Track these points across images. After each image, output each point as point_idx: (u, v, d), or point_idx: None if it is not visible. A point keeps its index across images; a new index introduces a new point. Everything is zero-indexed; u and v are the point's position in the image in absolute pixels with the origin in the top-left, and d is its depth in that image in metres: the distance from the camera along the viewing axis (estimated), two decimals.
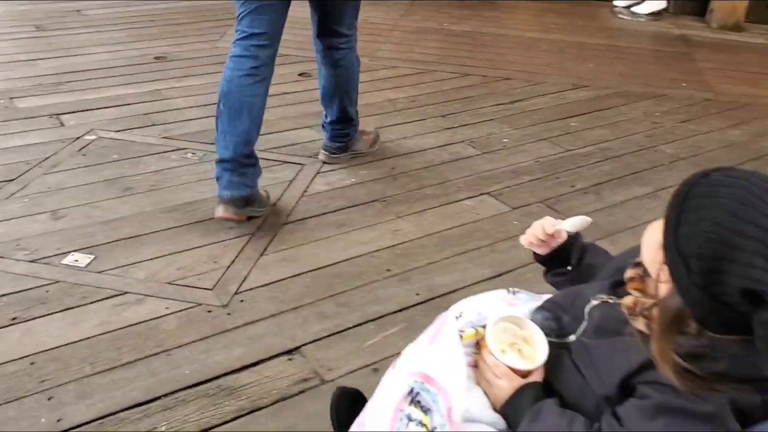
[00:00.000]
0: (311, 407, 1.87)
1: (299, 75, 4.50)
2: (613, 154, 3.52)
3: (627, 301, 1.02)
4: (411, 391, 0.96)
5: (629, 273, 1.06)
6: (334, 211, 2.87)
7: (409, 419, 0.95)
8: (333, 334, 2.15)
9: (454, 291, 2.37)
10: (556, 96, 4.37)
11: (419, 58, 4.99)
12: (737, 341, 0.86)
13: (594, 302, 1.06)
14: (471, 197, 3.03)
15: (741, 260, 0.81)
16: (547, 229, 1.17)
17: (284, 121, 3.76)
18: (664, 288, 0.91)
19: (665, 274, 0.90)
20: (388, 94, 4.27)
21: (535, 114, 4.05)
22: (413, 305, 2.29)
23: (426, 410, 0.95)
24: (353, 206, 2.92)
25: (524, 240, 1.23)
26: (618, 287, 1.08)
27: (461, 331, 1.07)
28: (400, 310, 2.27)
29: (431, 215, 2.87)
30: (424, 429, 0.94)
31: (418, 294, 2.35)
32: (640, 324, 0.97)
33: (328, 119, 3.24)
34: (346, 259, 2.54)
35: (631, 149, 3.60)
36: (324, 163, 3.26)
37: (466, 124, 3.86)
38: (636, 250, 1.13)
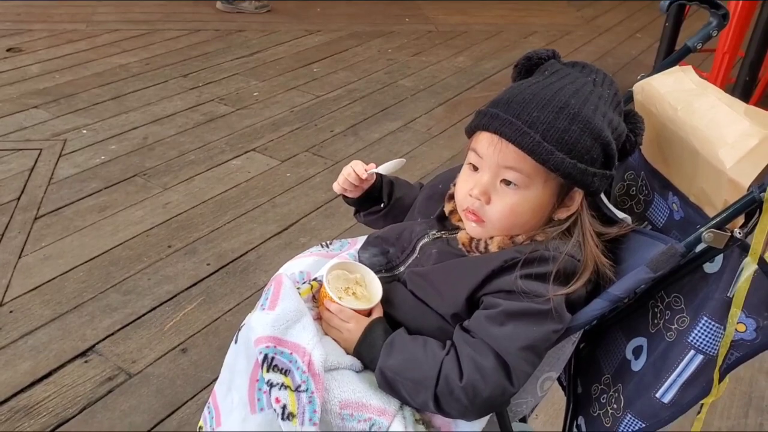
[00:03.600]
0: (125, 404, 1.75)
1: (7, 51, 3.98)
2: (360, 95, 3.67)
3: (462, 237, 1.08)
4: (265, 357, 0.95)
5: (448, 207, 1.14)
6: (91, 194, 2.64)
7: (270, 385, 0.94)
8: (127, 324, 2.02)
9: (246, 253, 2.34)
10: (292, 43, 4.40)
11: (141, 18, 4.69)
12: None
13: (426, 239, 1.12)
14: (237, 156, 2.98)
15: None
16: (361, 174, 1.19)
17: (4, 104, 3.33)
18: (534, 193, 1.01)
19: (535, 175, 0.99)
20: (117, 59, 3.97)
21: (277, 64, 4.05)
22: (207, 276, 2.23)
23: (285, 371, 0.94)
24: (112, 185, 2.71)
25: (337, 187, 1.24)
26: (444, 220, 1.15)
27: (296, 288, 1.07)
28: (194, 285, 2.19)
29: (201, 181, 2.77)
30: (287, 390, 0.93)
31: (208, 264, 2.28)
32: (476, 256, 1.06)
33: None
34: (120, 244, 2.37)
35: (375, 87, 3.77)
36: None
37: (211, 82, 3.75)
38: (440, 177, 1.21)
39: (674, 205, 1.09)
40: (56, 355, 1.88)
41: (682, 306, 1.01)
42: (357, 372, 1.03)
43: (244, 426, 0.97)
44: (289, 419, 0.93)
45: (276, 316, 1.00)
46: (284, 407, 0.93)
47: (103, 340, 1.96)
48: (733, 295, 0.93)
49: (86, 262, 2.26)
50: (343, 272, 1.11)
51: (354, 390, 0.99)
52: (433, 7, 5.29)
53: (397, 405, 1.01)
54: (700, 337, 0.97)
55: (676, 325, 1.01)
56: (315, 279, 1.11)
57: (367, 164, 1.23)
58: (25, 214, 2.47)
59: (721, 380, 0.98)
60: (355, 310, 1.05)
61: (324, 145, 3.10)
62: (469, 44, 4.52)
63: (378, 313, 1.07)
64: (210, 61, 4.02)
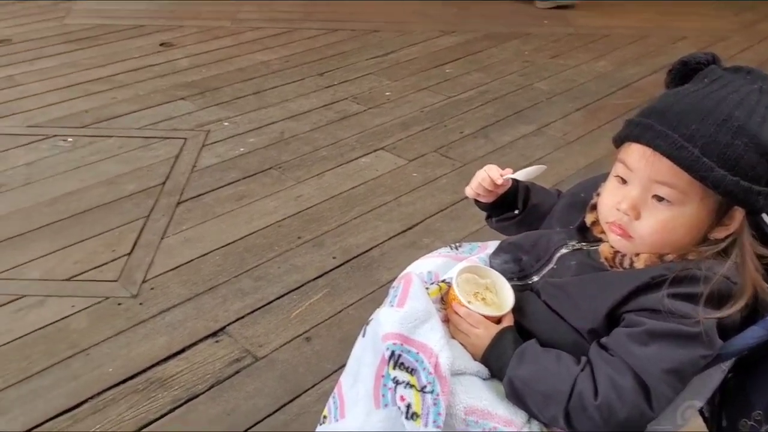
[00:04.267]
0: (250, 386, 1.82)
1: (160, 45, 4.26)
2: (492, 96, 3.62)
3: (605, 251, 1.04)
4: (392, 354, 0.95)
5: (590, 217, 1.09)
6: (230, 183, 2.77)
7: (396, 383, 0.94)
8: (256, 309, 2.10)
9: (370, 249, 2.37)
10: (427, 44, 4.42)
11: (283, 17, 4.86)
12: None
13: (565, 249, 1.08)
14: (366, 154, 3.02)
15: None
16: (496, 179, 1.16)
17: (155, 95, 3.56)
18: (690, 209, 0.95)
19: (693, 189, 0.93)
20: (259, 56, 4.15)
21: (410, 64, 4.08)
22: (332, 269, 2.27)
23: (411, 370, 0.94)
24: (249, 176, 2.83)
25: (469, 191, 1.21)
26: (585, 231, 1.10)
27: (426, 288, 1.07)
28: (320, 276, 2.24)
29: (331, 177, 2.84)
30: (413, 390, 0.93)
31: (334, 257, 2.33)
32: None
33: None
34: (254, 232, 2.47)
35: (509, 89, 3.71)
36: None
37: (346, 81, 3.83)
38: (582, 185, 1.17)
39: None
40: (190, 333, 1.99)
41: None
42: (483, 379, 1.01)
43: (367, 419, 0.98)
44: (412, 419, 0.93)
45: (405, 314, 1.00)
46: (408, 406, 0.93)
47: (234, 322, 2.04)
48: None
49: (222, 247, 2.38)
50: (473, 276, 1.09)
51: (480, 397, 0.97)
52: (575, 8, 5.14)
53: (525, 417, 0.98)
54: None
55: None
56: (444, 281, 1.10)
57: (502, 168, 1.20)
58: (169, 199, 2.63)
59: None
60: (484, 316, 1.03)
61: (453, 146, 3.09)
62: (611, 48, 4.35)
63: (508, 322, 1.04)
64: (345, 61, 4.11)
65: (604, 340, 0.96)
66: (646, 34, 4.63)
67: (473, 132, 3.23)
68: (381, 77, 3.88)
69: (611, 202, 1.01)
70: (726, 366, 1.02)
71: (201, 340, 1.97)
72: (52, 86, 3.59)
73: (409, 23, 4.77)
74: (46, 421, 1.69)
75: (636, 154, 0.97)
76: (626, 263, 1.01)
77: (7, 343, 1.92)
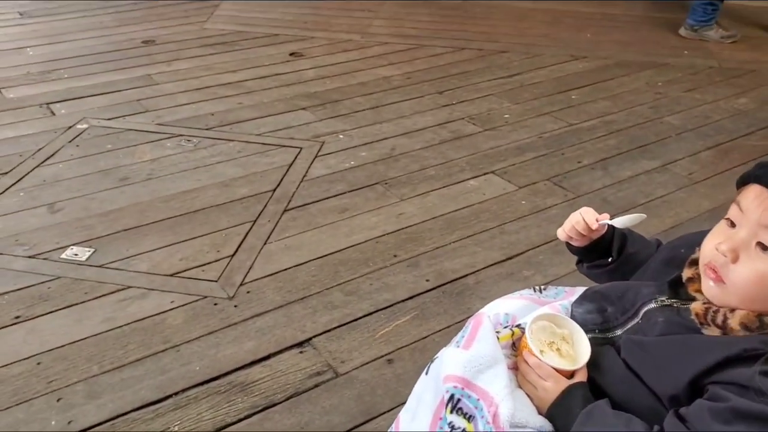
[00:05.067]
0: (326, 402, 1.81)
1: (290, 55, 4.41)
2: (617, 127, 3.46)
3: (697, 307, 0.96)
4: (452, 397, 0.91)
5: (687, 273, 1.01)
6: (336, 195, 2.80)
7: (452, 428, 0.89)
8: (343, 324, 2.09)
9: (465, 276, 2.31)
10: (554, 68, 4.29)
11: (411, 33, 4.89)
12: None
13: (653, 304, 1.00)
14: (475, 177, 2.96)
15: None
16: (591, 224, 1.10)
17: (278, 103, 3.68)
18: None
19: None
20: (382, 71, 4.19)
21: (534, 88, 3.98)
22: (423, 292, 2.23)
23: (469, 417, 0.90)
24: (355, 190, 2.85)
25: (561, 234, 1.15)
26: (678, 287, 1.02)
27: (496, 332, 1.01)
28: (411, 298, 2.21)
29: (435, 197, 2.80)
30: None
31: (428, 280, 2.29)
32: (712, 332, 0.92)
33: None
34: (351, 246, 2.47)
35: (636, 121, 3.53)
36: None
37: (465, 100, 3.78)
38: (684, 239, 1.07)
39: None
40: (277, 341, 2.01)
41: None
42: None
43: None
44: None
45: (470, 357, 0.95)
46: None
47: (320, 334, 2.05)
48: None
49: (320, 257, 2.40)
50: (549, 324, 1.02)
51: None
52: (720, 41, 4.83)
53: None
54: None
55: None
56: (518, 325, 1.04)
57: (599, 213, 1.13)
58: (277, 205, 2.70)
59: None
60: (555, 369, 0.96)
61: (567, 176, 2.97)
62: (756, 85, 4.05)
63: (581, 377, 0.97)
64: (467, 80, 4.07)
65: (683, 410, 0.87)
66: None
67: (591, 163, 3.09)
68: (502, 99, 3.81)
69: (713, 242, 0.95)
70: None
71: (286, 349, 1.99)
72: (184, 87, 3.80)
73: (540, 46, 4.66)
74: (132, 411, 1.76)
75: (752, 195, 0.92)
76: (719, 320, 0.93)
77: (108, 330, 2.02)
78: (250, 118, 3.47)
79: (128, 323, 2.06)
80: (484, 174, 2.99)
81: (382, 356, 1.97)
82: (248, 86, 3.88)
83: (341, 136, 3.32)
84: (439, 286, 2.27)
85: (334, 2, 5.54)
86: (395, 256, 2.42)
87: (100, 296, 2.16)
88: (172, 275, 2.28)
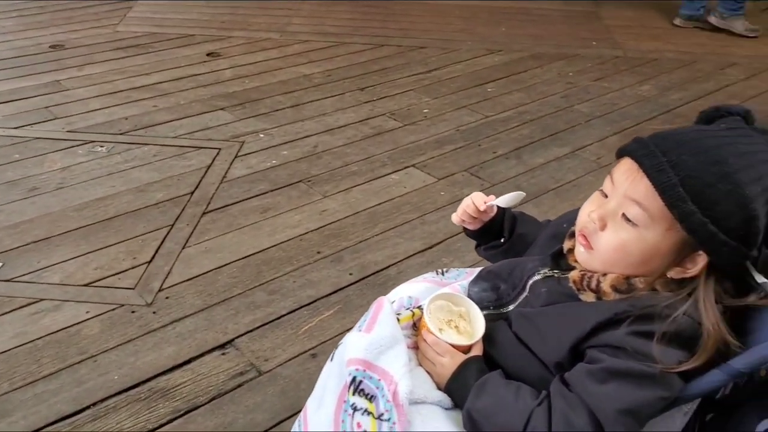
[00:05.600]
0: (250, 400, 1.81)
1: (207, 55, 4.35)
2: (531, 117, 3.56)
3: (574, 275, 1.01)
4: (353, 380, 0.93)
5: (567, 244, 1.06)
6: (257, 195, 2.79)
7: (354, 409, 0.91)
8: (266, 323, 2.09)
9: (387, 267, 2.34)
10: (471, 62, 4.38)
11: (331, 30, 4.90)
12: None
13: (537, 276, 1.06)
14: (397, 171, 3.00)
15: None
16: (479, 206, 1.16)
17: (195, 104, 3.63)
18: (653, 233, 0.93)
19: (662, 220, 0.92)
20: (303, 69, 4.18)
21: (452, 82, 4.05)
22: (347, 285, 2.25)
23: (371, 397, 0.92)
24: (277, 189, 2.84)
25: (455, 218, 1.21)
26: (559, 259, 1.08)
27: (397, 314, 1.04)
28: (334, 292, 2.22)
29: (358, 192, 2.82)
30: (370, 417, 0.91)
31: (351, 274, 2.31)
32: (588, 296, 0.98)
33: None
34: (274, 245, 2.47)
35: (548, 111, 3.64)
36: None
37: (385, 97, 3.82)
38: (567, 216, 1.13)
39: None
40: (198, 344, 1.99)
41: None
42: (445, 409, 0.98)
43: None
44: None
45: (371, 340, 0.97)
46: None
47: (243, 335, 2.04)
48: None
49: (241, 259, 2.38)
50: (447, 303, 1.05)
51: (438, 427, 0.94)
52: (624, 31, 5.03)
53: None
54: None
55: None
56: (419, 307, 1.07)
57: (487, 195, 1.18)
58: (195, 208, 2.66)
59: None
60: (453, 345, 1.00)
61: (484, 167, 3.04)
62: (657, 72, 4.23)
63: (477, 352, 1.01)
64: (387, 77, 4.11)
65: (566, 375, 0.93)
66: (695, 59, 4.48)
67: (506, 153, 3.17)
68: (421, 94, 3.86)
69: (587, 210, 1.02)
70: (688, 408, 0.96)
71: (208, 352, 1.97)
72: (96, 92, 3.70)
73: (457, 41, 4.75)
74: (46, 426, 1.71)
75: (623, 168, 0.98)
76: (593, 284, 0.99)
77: (19, 346, 1.96)
78: (165, 121, 3.41)
79: (41, 336, 1.99)
80: (405, 168, 3.03)
81: (306, 351, 1.98)
82: (164, 88, 3.81)
83: (262, 136, 3.30)
84: (362, 279, 2.29)
85: (251, 1, 5.49)
86: (319, 252, 2.43)
87: (10, 311, 2.09)
88: (86, 285, 2.22)
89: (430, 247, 2.46)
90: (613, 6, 5.63)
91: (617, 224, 0.96)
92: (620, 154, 1.01)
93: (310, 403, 1.03)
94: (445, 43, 4.70)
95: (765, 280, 0.96)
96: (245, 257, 2.39)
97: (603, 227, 0.97)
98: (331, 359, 1.01)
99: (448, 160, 3.09)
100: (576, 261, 1.04)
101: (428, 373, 1.01)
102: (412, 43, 4.68)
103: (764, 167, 0.91)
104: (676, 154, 0.91)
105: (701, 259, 0.93)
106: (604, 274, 0.98)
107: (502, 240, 1.21)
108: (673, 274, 0.95)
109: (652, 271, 0.96)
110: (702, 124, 1.03)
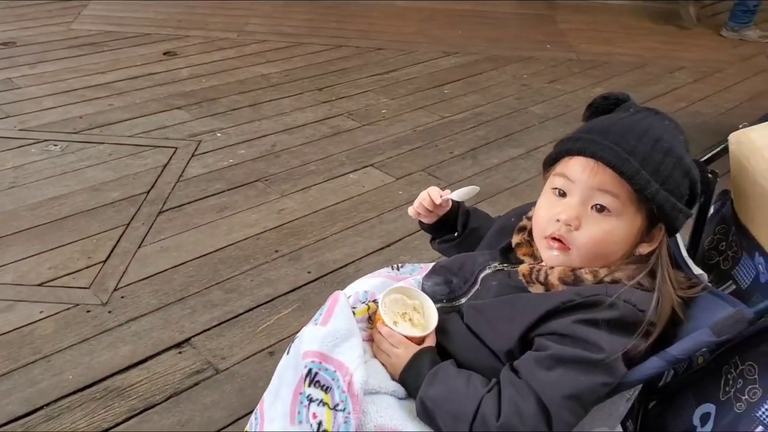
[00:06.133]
0: (207, 398, 1.81)
1: (164, 54, 4.31)
2: (486, 119, 3.62)
3: (523, 268, 1.05)
4: (309, 372, 0.95)
5: (516, 239, 1.10)
6: (214, 194, 2.78)
7: (310, 400, 0.93)
8: (223, 322, 2.09)
9: (346, 265, 2.36)
10: (428, 64, 4.43)
11: (289, 31, 4.90)
12: None
13: (488, 270, 1.09)
14: (355, 170, 3.02)
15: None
16: (435, 199, 1.19)
17: (152, 103, 3.59)
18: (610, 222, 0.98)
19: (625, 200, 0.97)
20: (261, 69, 4.18)
21: (410, 83, 4.09)
22: (305, 284, 2.27)
23: (326, 388, 0.94)
24: (234, 188, 2.83)
25: (411, 211, 1.25)
26: (508, 253, 1.12)
27: (353, 308, 1.06)
28: (292, 290, 2.24)
29: (316, 191, 2.84)
30: (325, 407, 0.93)
31: (309, 272, 2.32)
32: (537, 289, 1.01)
33: None
34: (231, 244, 2.47)
35: (503, 112, 3.71)
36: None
37: (344, 97, 3.84)
38: (515, 210, 1.17)
39: (760, 266, 0.98)
40: (154, 343, 1.98)
41: (756, 376, 0.90)
42: (399, 399, 1.00)
43: None
44: None
45: (326, 333, 0.99)
46: (320, 423, 0.93)
47: (199, 334, 2.04)
48: None
49: (198, 257, 2.38)
50: (402, 297, 1.08)
51: (392, 416, 0.96)
52: (578, 35, 5.15)
53: None
54: None
55: (746, 396, 0.91)
56: (374, 301, 1.10)
57: (443, 190, 1.22)
58: (151, 207, 2.64)
59: None
60: (407, 337, 1.03)
61: (441, 166, 3.08)
62: (609, 75, 4.35)
63: (430, 343, 1.04)
64: (346, 77, 4.13)
65: (516, 363, 0.96)
66: (646, 62, 4.62)
67: (462, 153, 3.22)
68: (379, 95, 3.89)
69: (549, 215, 1.03)
70: (630, 394, 1.01)
71: (164, 351, 1.97)
72: (50, 91, 3.63)
73: (414, 43, 4.79)
74: None
75: (578, 166, 1.01)
76: (542, 277, 1.03)
77: None
78: (121, 120, 3.37)
79: None
80: (364, 167, 3.06)
81: (264, 349, 1.99)
82: (119, 87, 3.76)
83: (219, 135, 3.29)
84: (321, 277, 2.31)
85: (209, 1, 5.45)
86: (276, 251, 2.44)
87: None
88: (40, 285, 2.19)
89: (388, 246, 2.49)
90: (567, 10, 5.75)
91: (591, 218, 1.00)
92: (564, 154, 1.03)
93: (267, 396, 1.05)
94: (403, 44, 4.75)
95: (701, 271, 1.02)
96: (202, 256, 2.39)
97: (578, 226, 1.00)
98: (288, 353, 1.03)
99: (406, 160, 3.13)
100: (525, 255, 1.07)
101: (383, 364, 1.04)
102: (370, 45, 4.70)
103: (678, 136, 1.01)
104: (626, 142, 0.97)
105: (658, 232, 1.00)
106: (552, 267, 1.02)
107: (455, 234, 1.25)
108: (642, 250, 1.01)
109: (626, 253, 1.01)
110: (597, 114, 1.08)
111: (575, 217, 1.00)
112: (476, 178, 2.97)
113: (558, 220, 1.01)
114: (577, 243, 1.01)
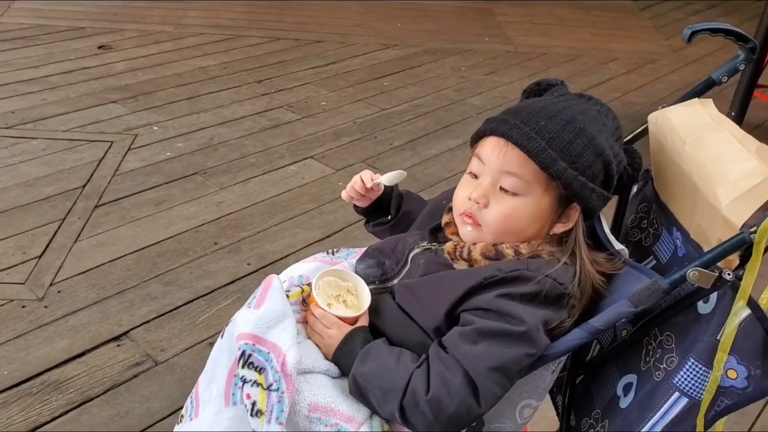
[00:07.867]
0: (146, 390, 1.81)
1: (98, 48, 4.22)
2: (425, 110, 3.68)
3: (448, 246, 1.09)
4: (243, 354, 0.97)
5: (445, 219, 1.15)
6: (152, 188, 2.76)
7: (244, 381, 0.95)
8: (162, 314, 2.09)
9: (286, 256, 2.38)
10: (368, 56, 4.46)
11: (227, 23, 4.85)
12: None
13: (417, 249, 1.13)
14: (295, 162, 3.04)
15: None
16: (366, 183, 1.23)
17: (86, 97, 3.52)
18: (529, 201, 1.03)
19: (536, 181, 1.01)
20: (198, 62, 4.13)
21: (349, 75, 4.11)
22: (245, 275, 2.28)
23: (260, 369, 0.96)
24: (172, 181, 2.82)
25: (345, 194, 1.29)
26: (437, 232, 1.16)
27: (287, 291, 1.09)
28: (232, 282, 2.25)
29: (256, 184, 2.84)
30: (259, 388, 0.95)
31: (249, 264, 2.34)
32: (461, 265, 1.06)
33: None
34: (170, 237, 2.46)
35: (442, 104, 3.77)
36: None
37: (283, 89, 3.84)
38: (446, 193, 1.21)
39: (678, 240, 1.05)
40: (92, 337, 1.97)
41: (673, 345, 0.96)
42: (332, 378, 1.04)
43: (217, 418, 1.00)
44: (257, 416, 0.95)
45: (260, 315, 1.02)
46: (254, 404, 0.95)
47: (138, 326, 2.03)
48: (721, 339, 0.88)
49: (135, 251, 2.36)
50: (335, 279, 1.12)
51: (325, 394, 0.99)
52: (516, 27, 5.26)
53: (366, 414, 1.01)
54: (685, 379, 0.92)
55: (664, 365, 0.97)
56: (308, 284, 1.13)
57: (374, 173, 1.25)
58: (87, 202, 2.61)
59: (708, 427, 0.93)
60: (341, 318, 1.06)
61: (380, 158, 3.12)
62: (546, 67, 4.46)
63: (362, 323, 1.07)
64: (285, 69, 4.13)
65: (443, 339, 1.00)
66: (580, 54, 4.75)
67: (402, 144, 3.27)
68: (319, 87, 3.91)
69: (464, 194, 1.08)
70: (554, 366, 1.06)
71: (102, 344, 1.96)
72: None
73: (354, 36, 4.81)
74: None
75: (490, 147, 1.05)
76: (465, 254, 1.06)
77: None
78: (55, 114, 3.30)
79: None
80: (304, 159, 3.08)
81: (204, 340, 2.00)
82: (53, 81, 3.68)
83: (155, 128, 3.25)
84: (261, 269, 2.32)
85: None
86: (216, 243, 2.44)
87: None
88: None
89: (329, 236, 2.52)
90: (505, 3, 5.85)
91: (498, 197, 1.04)
92: (481, 135, 1.08)
93: (202, 379, 1.07)
94: (342, 37, 4.76)
95: (622, 246, 1.08)
96: (140, 250, 2.37)
97: (487, 205, 1.05)
98: (222, 336, 1.05)
99: (346, 152, 3.16)
100: (452, 233, 1.12)
101: (317, 345, 1.07)
102: (309, 37, 4.71)
103: (600, 119, 1.04)
104: (535, 122, 1.01)
105: (574, 212, 1.04)
106: (474, 244, 1.06)
107: (389, 217, 1.29)
108: (557, 229, 1.05)
109: (540, 231, 1.05)
110: (532, 97, 1.14)
111: (483, 195, 1.05)
112: (415, 168, 3.02)
113: (470, 199, 1.06)
114: (486, 220, 1.05)
